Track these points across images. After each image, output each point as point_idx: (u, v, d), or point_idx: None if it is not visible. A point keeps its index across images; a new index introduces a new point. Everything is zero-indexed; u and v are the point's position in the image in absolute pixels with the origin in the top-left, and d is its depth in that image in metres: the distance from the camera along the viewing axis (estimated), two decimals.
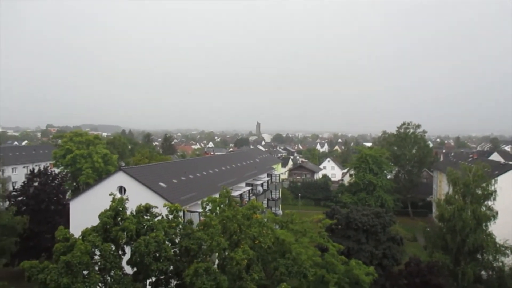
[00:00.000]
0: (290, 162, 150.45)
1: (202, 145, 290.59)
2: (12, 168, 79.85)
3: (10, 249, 42.08)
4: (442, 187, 76.46)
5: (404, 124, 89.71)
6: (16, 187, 60.32)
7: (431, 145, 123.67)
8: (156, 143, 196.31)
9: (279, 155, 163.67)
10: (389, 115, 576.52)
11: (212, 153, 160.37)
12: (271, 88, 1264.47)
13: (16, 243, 42.41)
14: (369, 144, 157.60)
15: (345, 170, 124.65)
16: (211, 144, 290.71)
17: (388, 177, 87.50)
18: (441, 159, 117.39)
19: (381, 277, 39.82)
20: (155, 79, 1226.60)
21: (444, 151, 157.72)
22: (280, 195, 79.90)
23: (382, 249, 42.95)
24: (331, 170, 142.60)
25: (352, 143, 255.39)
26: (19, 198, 50.17)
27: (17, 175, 79.31)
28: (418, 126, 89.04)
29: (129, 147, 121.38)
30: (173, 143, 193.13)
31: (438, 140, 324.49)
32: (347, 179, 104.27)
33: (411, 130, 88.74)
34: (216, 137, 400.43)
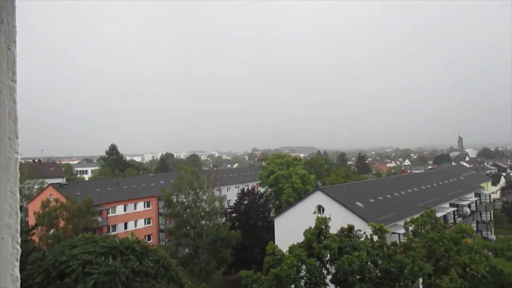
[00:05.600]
0: (502, 180, 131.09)
1: (398, 163, 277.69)
2: (227, 188, 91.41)
3: (228, 260, 48.16)
4: None
5: None
6: (230, 205, 68.77)
7: None
8: (350, 162, 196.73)
9: (488, 172, 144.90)
10: None
11: (409, 171, 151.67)
12: (473, 96, 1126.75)
13: (231, 254, 48.28)
14: None
15: None
16: (407, 162, 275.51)
17: None
18: None
19: None
20: (345, 99, 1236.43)
21: None
22: (492, 218, 70.15)
23: None
24: None
25: None
26: (233, 215, 56.87)
27: (231, 194, 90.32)
28: None
29: (325, 167, 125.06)
30: (367, 161, 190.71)
31: None
32: None
33: None
34: (412, 154, 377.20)
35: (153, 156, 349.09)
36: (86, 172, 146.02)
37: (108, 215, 64.99)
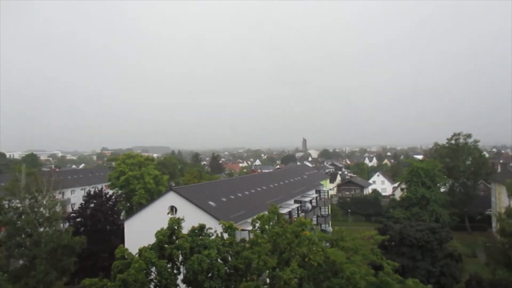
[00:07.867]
0: (338, 178, 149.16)
1: (249, 163, 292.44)
2: (71, 191, 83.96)
3: (70, 269, 44.06)
4: (502, 199, 72.12)
5: (454, 135, 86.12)
6: (74, 209, 63.30)
7: (486, 155, 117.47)
8: (204, 163, 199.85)
9: (327, 170, 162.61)
10: (441, 126, 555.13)
11: (259, 170, 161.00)
12: (316, 103, 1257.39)
13: (75, 262, 44.35)
14: (420, 157, 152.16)
15: (396, 185, 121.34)
16: (258, 162, 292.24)
17: (442, 190, 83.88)
18: (499, 170, 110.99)
19: None
20: (200, 101, 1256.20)
21: (502, 161, 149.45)
22: (330, 212, 78.89)
23: (439, 266, 41.01)
24: (381, 185, 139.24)
25: (402, 156, 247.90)
26: (78, 219, 52.54)
27: (76, 197, 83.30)
28: (469, 136, 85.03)
29: (179, 167, 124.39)
30: (220, 162, 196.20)
31: (494, 150, 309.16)
32: (398, 194, 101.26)
33: (462, 141, 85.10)
34: (262, 155, 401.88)
35: None
36: None
37: None
